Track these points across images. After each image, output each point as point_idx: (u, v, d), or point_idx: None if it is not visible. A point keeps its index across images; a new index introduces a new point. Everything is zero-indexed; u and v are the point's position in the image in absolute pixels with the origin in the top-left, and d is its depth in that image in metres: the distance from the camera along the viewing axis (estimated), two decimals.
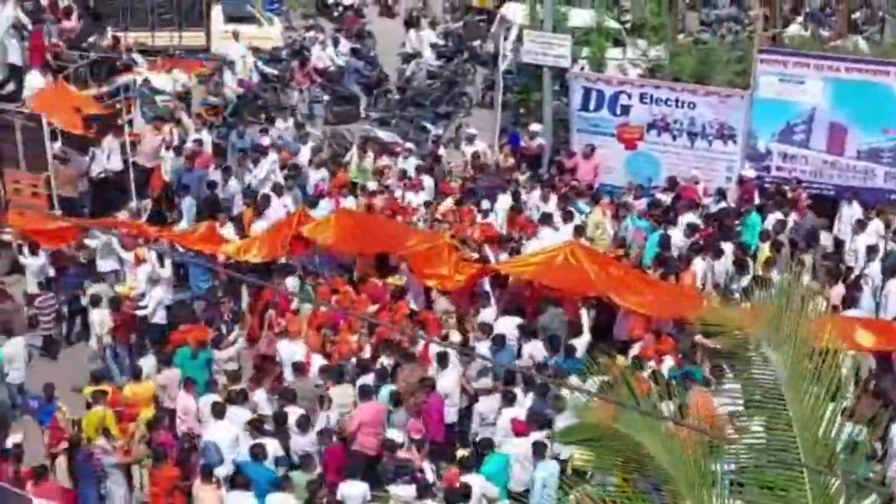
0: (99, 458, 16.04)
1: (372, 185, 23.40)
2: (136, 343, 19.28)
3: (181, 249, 20.45)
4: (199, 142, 24.21)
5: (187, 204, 22.31)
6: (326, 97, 29.52)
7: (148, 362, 17.97)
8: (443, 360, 17.43)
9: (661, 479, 9.76)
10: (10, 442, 16.13)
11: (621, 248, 21.07)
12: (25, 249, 20.16)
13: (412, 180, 23.44)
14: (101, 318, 19.13)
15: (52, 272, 20.26)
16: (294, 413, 16.46)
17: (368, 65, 31.36)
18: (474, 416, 17.08)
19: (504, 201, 22.53)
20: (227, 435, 16.20)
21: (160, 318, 19.69)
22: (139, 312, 19.51)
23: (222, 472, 15.65)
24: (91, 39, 22.99)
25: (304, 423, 16.28)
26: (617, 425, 10.06)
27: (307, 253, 20.47)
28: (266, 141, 24.71)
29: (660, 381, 14.05)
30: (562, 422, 16.08)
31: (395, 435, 16.28)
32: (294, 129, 26.36)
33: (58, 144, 21.82)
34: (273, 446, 15.89)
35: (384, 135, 26.81)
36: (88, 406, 16.62)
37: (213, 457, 15.86)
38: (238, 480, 15.34)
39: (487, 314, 18.89)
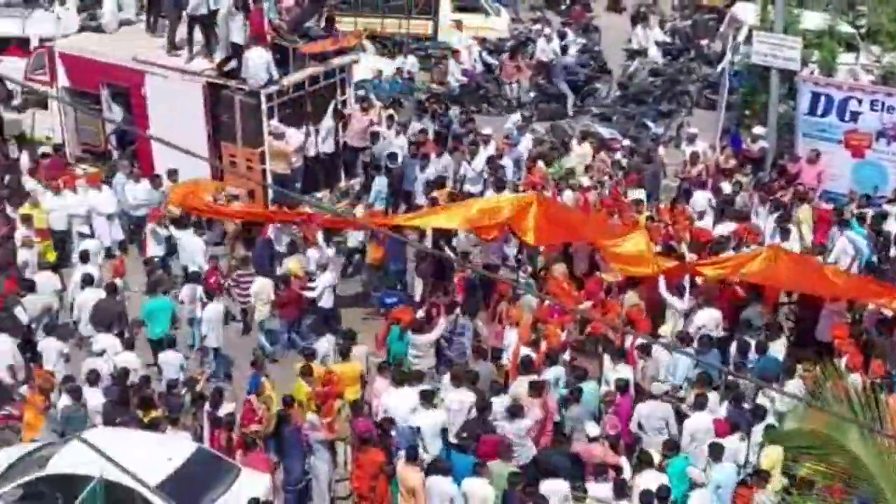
0: (307, 434, 16.47)
1: (585, 180, 23.31)
2: (312, 324, 19.74)
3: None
4: (424, 131, 24.57)
5: (378, 184, 22.75)
6: (532, 93, 29.48)
7: (323, 344, 18.37)
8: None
9: (873, 494, 9.50)
10: (224, 411, 16.70)
11: (820, 255, 20.49)
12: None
13: (629, 177, 23.30)
14: (261, 287, 19.77)
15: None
16: (501, 402, 16.57)
17: (592, 59, 31.23)
18: (635, 420, 16.80)
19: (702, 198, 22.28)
20: (433, 420, 16.46)
21: (328, 301, 20.02)
22: (307, 294, 19.94)
23: (426, 456, 15.91)
24: (311, 21, 23.45)
25: (517, 411, 16.32)
26: (832, 434, 9.81)
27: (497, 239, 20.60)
28: (487, 130, 24.90)
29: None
30: (761, 428, 15.98)
31: (592, 429, 16.25)
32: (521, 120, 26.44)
33: (274, 121, 22.40)
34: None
35: (604, 130, 26.66)
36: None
37: (413, 440, 16.15)
38: (439, 465, 15.55)
39: (679, 306, 18.93)
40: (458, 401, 16.74)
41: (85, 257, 20.33)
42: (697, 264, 19.52)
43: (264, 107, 22.30)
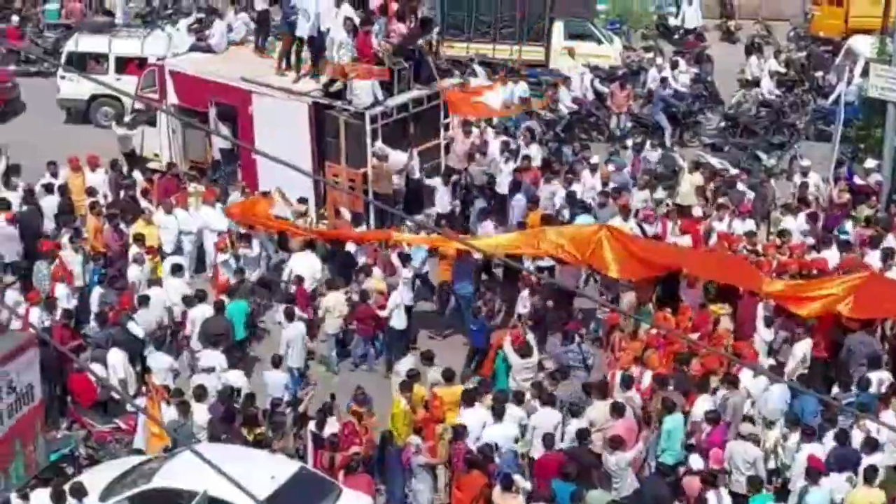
0: (408, 456, 16.47)
1: (698, 210, 23.07)
2: (393, 344, 19.96)
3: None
4: (527, 157, 24.56)
5: (478, 206, 22.80)
6: (629, 123, 29.25)
7: (405, 363, 18.37)
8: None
9: None
10: (328, 431, 16.77)
11: None
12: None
13: (740, 207, 23.00)
14: (335, 301, 19.92)
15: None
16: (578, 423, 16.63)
17: (705, 89, 30.97)
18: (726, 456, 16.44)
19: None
20: (506, 432, 16.51)
21: (399, 321, 20.05)
22: (380, 312, 20.03)
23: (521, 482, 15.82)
24: (418, 44, 23.61)
25: (617, 444, 16.14)
26: None
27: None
28: (595, 159, 24.80)
29: None
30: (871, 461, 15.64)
31: (695, 462, 16.08)
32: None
33: (378, 143, 22.54)
34: None
35: (715, 161, 26.38)
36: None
37: (514, 467, 16.09)
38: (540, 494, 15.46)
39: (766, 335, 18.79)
40: (543, 419, 16.75)
41: (177, 270, 20.64)
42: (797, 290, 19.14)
43: (368, 128, 22.48)
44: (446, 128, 24.35)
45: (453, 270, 20.96)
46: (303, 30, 23.18)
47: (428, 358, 18.34)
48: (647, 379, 17.69)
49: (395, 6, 23.88)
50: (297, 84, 23.39)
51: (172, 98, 24.74)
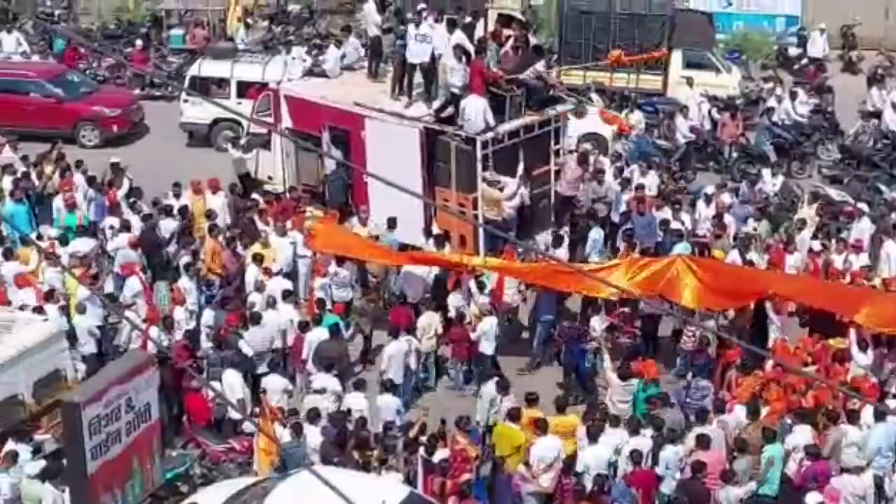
0: (517, 484, 16.40)
1: (815, 244, 22.69)
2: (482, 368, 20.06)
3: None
4: (641, 186, 24.41)
5: (595, 235, 22.70)
6: (735, 154, 28.80)
7: (489, 388, 18.40)
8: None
9: None
10: (438, 457, 16.78)
11: None
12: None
13: (857, 242, 22.58)
14: (429, 321, 20.12)
15: None
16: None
17: (825, 120, 30.49)
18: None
19: None
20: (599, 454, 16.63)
21: (488, 346, 20.12)
22: (472, 335, 20.14)
23: None
24: (528, 72, 23.60)
25: (729, 478, 15.97)
26: None
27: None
28: (709, 190, 24.55)
29: None
30: None
31: (812, 499, 15.88)
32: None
33: (490, 173, 22.55)
34: None
35: (834, 192, 25.97)
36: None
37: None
38: None
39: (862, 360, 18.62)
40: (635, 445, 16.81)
41: (288, 294, 20.80)
42: None
43: (479, 153, 22.53)
44: (557, 154, 24.27)
45: (537, 298, 21.08)
46: (415, 56, 23.34)
47: (503, 387, 18.32)
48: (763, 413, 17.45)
49: (506, 33, 23.94)
50: (409, 109, 23.54)
51: (286, 122, 25.03)
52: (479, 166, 22.54)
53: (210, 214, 23.20)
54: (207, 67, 30.44)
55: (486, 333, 20.04)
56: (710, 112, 29.99)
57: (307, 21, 38.50)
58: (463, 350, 20.22)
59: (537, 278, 21.07)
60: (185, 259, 21.72)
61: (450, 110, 22.84)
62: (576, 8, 32.87)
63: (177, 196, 24.06)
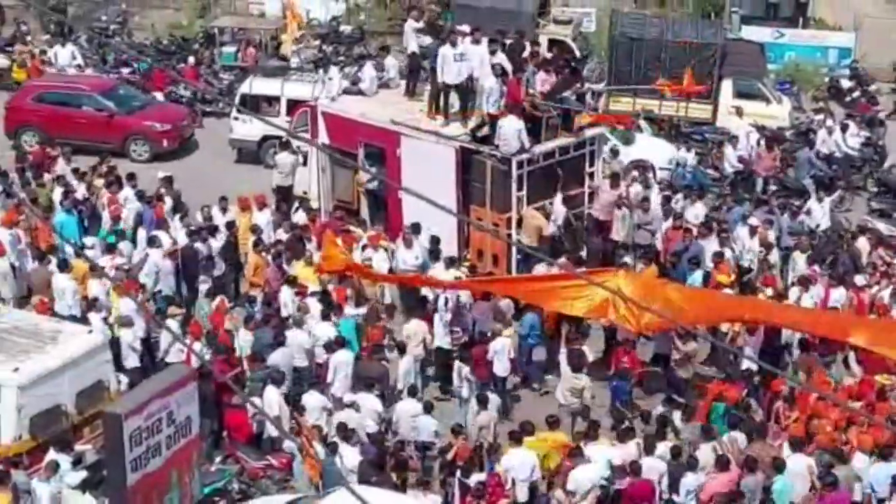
0: None
1: (860, 278, 22.52)
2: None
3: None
4: (680, 216, 24.33)
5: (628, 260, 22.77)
6: (773, 187, 28.56)
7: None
8: None
9: None
10: (475, 480, 16.77)
11: None
12: None
13: None
14: (415, 328, 20.40)
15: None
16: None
17: (876, 154, 30.29)
18: None
19: None
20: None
21: (501, 367, 20.10)
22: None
23: None
24: (566, 94, 23.72)
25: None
26: None
27: None
28: (754, 221, 24.43)
29: None
30: None
31: None
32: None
33: (523, 192, 22.75)
34: None
35: (883, 227, 25.83)
36: None
37: None
38: None
39: None
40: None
41: (326, 316, 20.82)
42: None
43: (515, 174, 22.64)
44: (591, 177, 24.32)
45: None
46: (452, 76, 23.46)
47: (481, 401, 18.60)
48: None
49: (543, 55, 24.13)
50: (445, 128, 23.67)
51: (323, 138, 25.25)
52: (514, 186, 22.64)
53: (255, 230, 23.34)
54: (258, 85, 30.66)
55: (497, 353, 20.03)
56: (758, 142, 29.86)
57: (358, 41, 38.70)
58: (483, 370, 19.95)
59: (518, 294, 21.02)
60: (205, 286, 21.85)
61: (485, 130, 23.01)
62: (627, 35, 32.89)
63: (223, 211, 24.28)
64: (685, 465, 17.06)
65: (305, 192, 25.96)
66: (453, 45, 23.43)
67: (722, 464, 16.78)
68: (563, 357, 19.43)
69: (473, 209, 23.19)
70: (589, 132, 23.93)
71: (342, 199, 25.48)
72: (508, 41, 24.43)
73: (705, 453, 17.16)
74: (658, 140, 30.89)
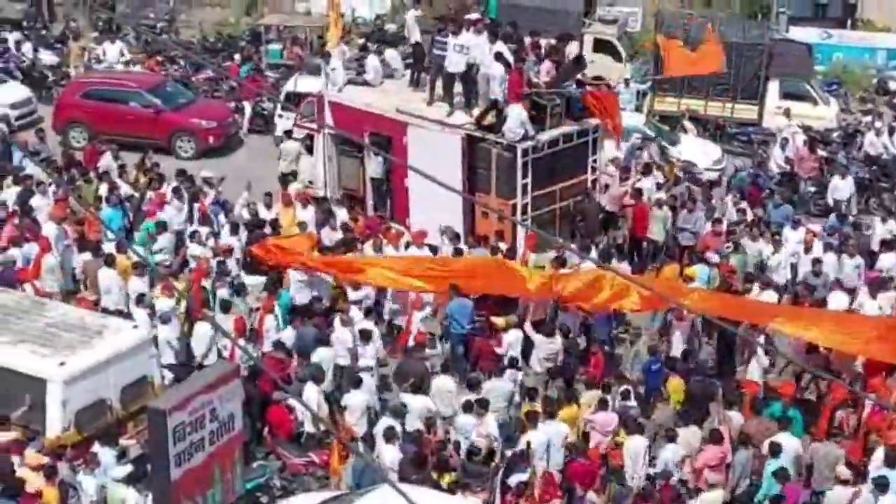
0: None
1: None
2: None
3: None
4: (718, 220, 24.20)
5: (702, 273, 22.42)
6: (812, 188, 28.23)
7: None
8: None
9: None
10: (516, 480, 16.77)
11: None
12: None
13: None
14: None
15: None
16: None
17: None
18: None
19: None
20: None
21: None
22: (498, 350, 20.21)
23: None
24: (566, 83, 23.86)
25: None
26: None
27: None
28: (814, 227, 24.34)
29: None
30: None
31: None
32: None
33: (528, 179, 23.08)
34: None
35: None
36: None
37: None
38: None
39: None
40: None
41: (368, 313, 20.90)
42: None
43: (520, 161, 22.89)
44: (594, 166, 24.64)
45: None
46: (453, 65, 23.67)
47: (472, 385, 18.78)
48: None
49: (543, 42, 24.53)
50: (450, 117, 23.88)
51: (330, 128, 25.58)
52: (519, 173, 22.94)
53: (301, 226, 23.46)
54: (303, 83, 30.79)
55: (511, 345, 20.07)
56: (805, 143, 29.67)
57: (403, 40, 38.79)
58: (491, 364, 19.83)
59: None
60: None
61: (490, 118, 23.30)
62: (671, 35, 32.78)
63: (268, 207, 24.44)
64: (665, 438, 17.65)
65: (311, 181, 26.18)
66: (455, 34, 23.70)
67: (715, 437, 17.22)
68: (528, 327, 19.81)
69: (479, 196, 23.46)
70: (590, 121, 24.16)
71: (348, 187, 25.82)
72: (507, 29, 24.86)
73: (686, 434, 17.57)
74: (703, 141, 30.80)
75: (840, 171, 27.39)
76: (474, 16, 25.36)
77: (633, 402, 18.64)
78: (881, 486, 16.22)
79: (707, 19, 34.10)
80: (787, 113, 30.88)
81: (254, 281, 21.83)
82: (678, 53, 24.36)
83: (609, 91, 25.57)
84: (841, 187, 26.69)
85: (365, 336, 19.89)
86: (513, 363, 19.49)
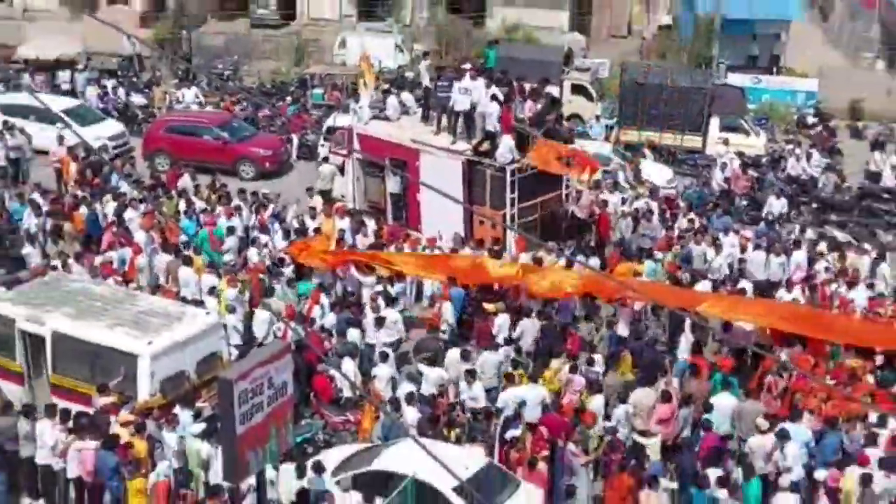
0: (570, 458, 16.36)
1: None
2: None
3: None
4: (671, 227, 24.18)
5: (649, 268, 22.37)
6: (745, 202, 28.12)
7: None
8: None
9: None
10: (511, 434, 16.72)
11: None
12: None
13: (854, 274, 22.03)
14: (394, 318, 20.15)
15: None
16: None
17: (840, 179, 29.74)
18: None
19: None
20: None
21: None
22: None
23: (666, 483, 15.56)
24: (548, 118, 24.23)
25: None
26: None
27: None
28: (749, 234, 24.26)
29: None
30: None
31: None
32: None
33: (514, 194, 23.16)
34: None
35: (840, 235, 25.55)
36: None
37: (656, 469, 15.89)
38: None
39: None
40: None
41: (391, 301, 20.80)
42: None
43: (508, 179, 23.16)
44: (567, 183, 24.84)
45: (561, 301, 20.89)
46: (458, 104, 23.92)
47: (463, 356, 18.50)
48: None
49: (527, 86, 24.78)
50: (453, 145, 24.14)
51: (358, 154, 25.81)
52: (508, 189, 23.17)
53: (341, 233, 23.45)
54: (340, 119, 30.76)
55: (501, 327, 19.84)
56: (739, 167, 29.64)
57: (418, 85, 38.74)
58: (487, 342, 19.55)
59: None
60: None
61: (485, 146, 23.56)
62: (633, 81, 32.83)
63: (313, 218, 24.44)
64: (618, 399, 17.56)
65: (343, 196, 26.27)
66: (459, 79, 23.97)
67: (665, 397, 17.12)
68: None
69: (476, 207, 23.61)
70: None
71: (372, 200, 25.93)
72: (498, 75, 24.97)
73: (640, 394, 17.40)
74: (659, 165, 30.79)
75: (776, 192, 27.42)
76: (467, 65, 25.37)
77: (595, 368, 18.48)
78: (782, 436, 16.29)
79: (662, 68, 34.15)
80: (725, 142, 30.88)
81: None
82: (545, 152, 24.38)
83: (582, 151, 25.36)
84: (775, 204, 26.83)
85: (379, 322, 19.82)
86: (507, 341, 19.43)
